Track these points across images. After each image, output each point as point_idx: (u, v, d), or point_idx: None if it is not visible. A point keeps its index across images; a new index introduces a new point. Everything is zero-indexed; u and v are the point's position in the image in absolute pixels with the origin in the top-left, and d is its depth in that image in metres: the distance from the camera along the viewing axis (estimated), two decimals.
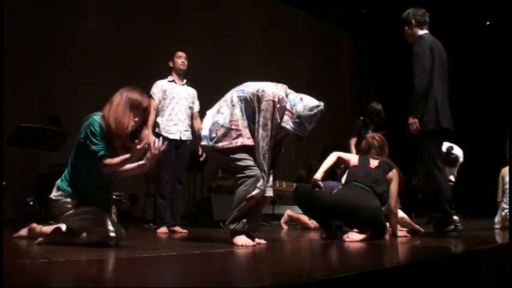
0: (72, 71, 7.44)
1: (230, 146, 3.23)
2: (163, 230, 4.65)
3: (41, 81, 7.15)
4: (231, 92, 3.42)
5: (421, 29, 4.25)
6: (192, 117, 5.03)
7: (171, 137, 4.82)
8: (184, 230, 4.79)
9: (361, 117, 6.34)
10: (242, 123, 3.26)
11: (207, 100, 5.22)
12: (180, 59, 5.01)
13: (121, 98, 2.91)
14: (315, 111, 3.23)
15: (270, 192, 3.34)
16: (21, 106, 6.54)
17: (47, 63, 7.28)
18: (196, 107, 5.10)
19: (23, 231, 3.39)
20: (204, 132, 3.32)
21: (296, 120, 3.24)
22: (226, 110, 3.30)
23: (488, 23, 11.29)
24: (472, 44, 11.15)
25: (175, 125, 4.87)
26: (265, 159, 3.22)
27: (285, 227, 5.93)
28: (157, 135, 4.79)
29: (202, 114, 5.17)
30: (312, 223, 5.41)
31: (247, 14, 10.69)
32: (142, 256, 2.58)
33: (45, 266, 2.16)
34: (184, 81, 5.05)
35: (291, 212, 6.10)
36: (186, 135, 4.95)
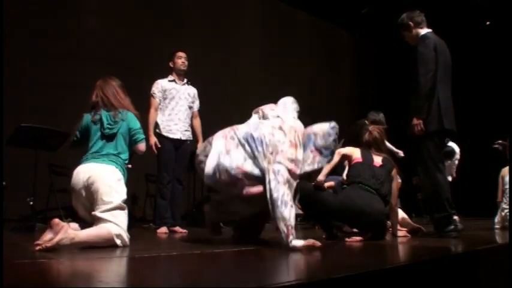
0: (72, 71, 7.42)
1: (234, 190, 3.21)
2: (163, 230, 4.65)
3: (41, 81, 7.15)
4: (241, 130, 3.24)
5: (422, 28, 4.21)
6: (192, 117, 5.04)
7: (171, 136, 4.83)
8: (184, 230, 4.80)
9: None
10: (247, 172, 3.10)
11: (206, 100, 5.23)
12: (181, 59, 5.01)
13: (124, 93, 3.47)
14: (334, 131, 3.24)
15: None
16: (22, 106, 6.53)
17: (47, 63, 7.27)
18: (196, 106, 5.11)
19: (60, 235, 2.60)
20: (208, 170, 3.19)
21: (325, 152, 3.21)
22: (234, 153, 3.15)
23: (488, 23, 11.29)
24: (472, 44, 11.15)
25: (176, 124, 4.87)
26: (286, 208, 2.93)
27: None
28: (158, 135, 4.80)
29: (202, 114, 5.21)
30: None
31: (248, 14, 10.68)
32: (142, 256, 2.58)
33: (45, 266, 2.16)
34: (185, 80, 5.05)
35: None
36: (187, 135, 4.95)
